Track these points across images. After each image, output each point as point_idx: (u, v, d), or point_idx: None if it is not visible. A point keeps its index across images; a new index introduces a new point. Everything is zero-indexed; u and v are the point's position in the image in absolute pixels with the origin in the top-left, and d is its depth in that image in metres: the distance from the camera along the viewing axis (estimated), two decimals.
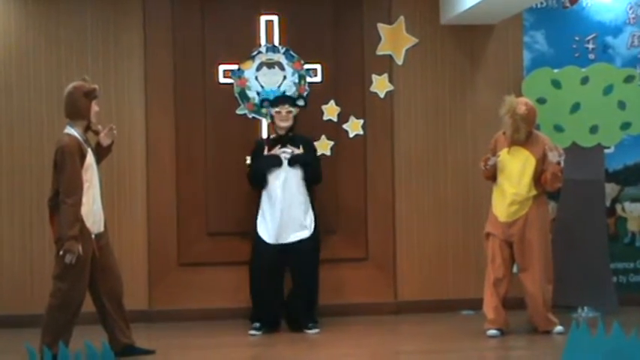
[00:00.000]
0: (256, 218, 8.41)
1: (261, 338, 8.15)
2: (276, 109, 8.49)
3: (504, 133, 8.00)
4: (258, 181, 8.46)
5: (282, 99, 8.63)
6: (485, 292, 8.03)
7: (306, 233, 8.35)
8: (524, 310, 8.08)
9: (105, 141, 7.30)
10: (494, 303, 7.94)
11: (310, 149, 8.63)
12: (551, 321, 7.96)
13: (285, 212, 8.30)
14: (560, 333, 7.85)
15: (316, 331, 8.31)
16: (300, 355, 7.64)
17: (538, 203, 7.94)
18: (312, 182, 8.53)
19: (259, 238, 8.37)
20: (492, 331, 7.91)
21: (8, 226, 8.89)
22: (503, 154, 7.97)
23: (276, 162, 8.40)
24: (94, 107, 7.16)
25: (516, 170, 7.91)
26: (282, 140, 8.47)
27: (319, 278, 8.48)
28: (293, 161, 8.40)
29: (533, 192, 7.91)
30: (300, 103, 8.62)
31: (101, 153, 7.31)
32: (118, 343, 7.10)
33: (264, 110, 8.82)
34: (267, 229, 8.34)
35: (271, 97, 8.76)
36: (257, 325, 8.28)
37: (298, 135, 8.57)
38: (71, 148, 6.93)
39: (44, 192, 7.60)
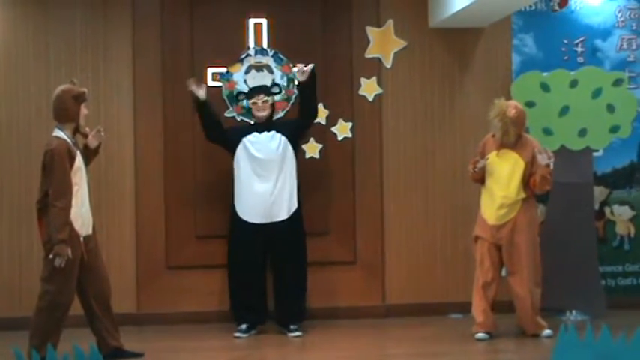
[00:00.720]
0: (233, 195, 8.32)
1: (248, 340, 8.13)
2: (252, 100, 8.44)
3: (493, 136, 8.01)
4: (215, 126, 8.35)
5: (256, 89, 8.55)
6: (473, 296, 8.04)
7: (291, 211, 8.23)
8: (512, 314, 8.08)
9: (92, 143, 7.28)
10: (483, 306, 7.94)
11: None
12: (540, 324, 7.96)
13: (267, 188, 8.17)
14: (548, 336, 7.86)
15: (298, 334, 8.23)
16: (287, 357, 7.65)
17: (527, 206, 7.95)
18: (307, 110, 8.40)
19: (238, 217, 8.26)
20: (481, 335, 7.92)
21: None
22: (492, 157, 7.97)
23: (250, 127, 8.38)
24: (84, 110, 7.13)
25: (505, 173, 7.91)
26: (260, 126, 8.36)
27: (307, 272, 8.46)
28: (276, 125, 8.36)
29: (522, 195, 7.91)
30: (275, 90, 8.60)
31: (89, 155, 7.29)
32: (106, 346, 7.08)
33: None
34: (248, 207, 8.22)
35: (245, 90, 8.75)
36: (243, 327, 8.23)
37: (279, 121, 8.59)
38: (60, 151, 6.90)
39: (32, 194, 7.57)
